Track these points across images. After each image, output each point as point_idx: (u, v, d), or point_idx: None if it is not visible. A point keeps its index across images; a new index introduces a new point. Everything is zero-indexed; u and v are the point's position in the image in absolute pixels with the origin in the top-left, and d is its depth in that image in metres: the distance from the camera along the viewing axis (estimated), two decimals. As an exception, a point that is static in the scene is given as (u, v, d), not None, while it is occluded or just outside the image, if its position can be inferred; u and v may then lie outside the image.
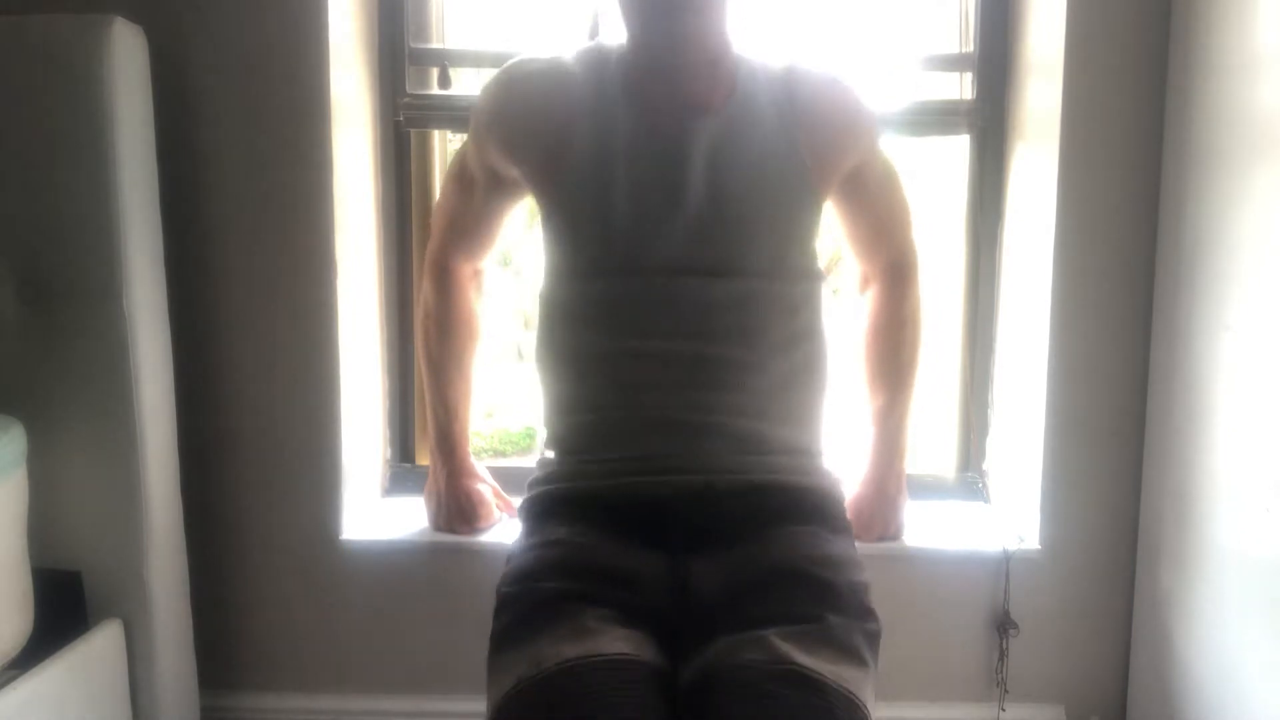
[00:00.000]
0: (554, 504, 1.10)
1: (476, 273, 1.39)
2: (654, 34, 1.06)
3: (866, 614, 1.00)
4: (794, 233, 1.12)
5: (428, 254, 1.37)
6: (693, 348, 1.06)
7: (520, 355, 1.56)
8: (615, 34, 1.13)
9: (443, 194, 1.34)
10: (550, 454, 1.17)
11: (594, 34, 1.16)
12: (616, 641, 0.93)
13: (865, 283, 1.37)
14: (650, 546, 1.02)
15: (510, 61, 1.16)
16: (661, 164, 1.07)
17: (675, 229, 1.06)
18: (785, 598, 0.97)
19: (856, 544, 1.42)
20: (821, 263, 1.17)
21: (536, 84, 1.13)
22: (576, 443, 1.12)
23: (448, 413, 1.40)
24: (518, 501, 1.50)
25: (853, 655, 0.94)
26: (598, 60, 1.12)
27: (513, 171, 1.16)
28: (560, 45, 1.15)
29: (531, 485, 1.16)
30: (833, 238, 1.40)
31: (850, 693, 0.90)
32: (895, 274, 1.33)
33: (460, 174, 1.26)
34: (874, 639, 0.99)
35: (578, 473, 1.11)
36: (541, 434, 1.20)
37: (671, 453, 1.06)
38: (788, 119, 1.10)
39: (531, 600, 0.99)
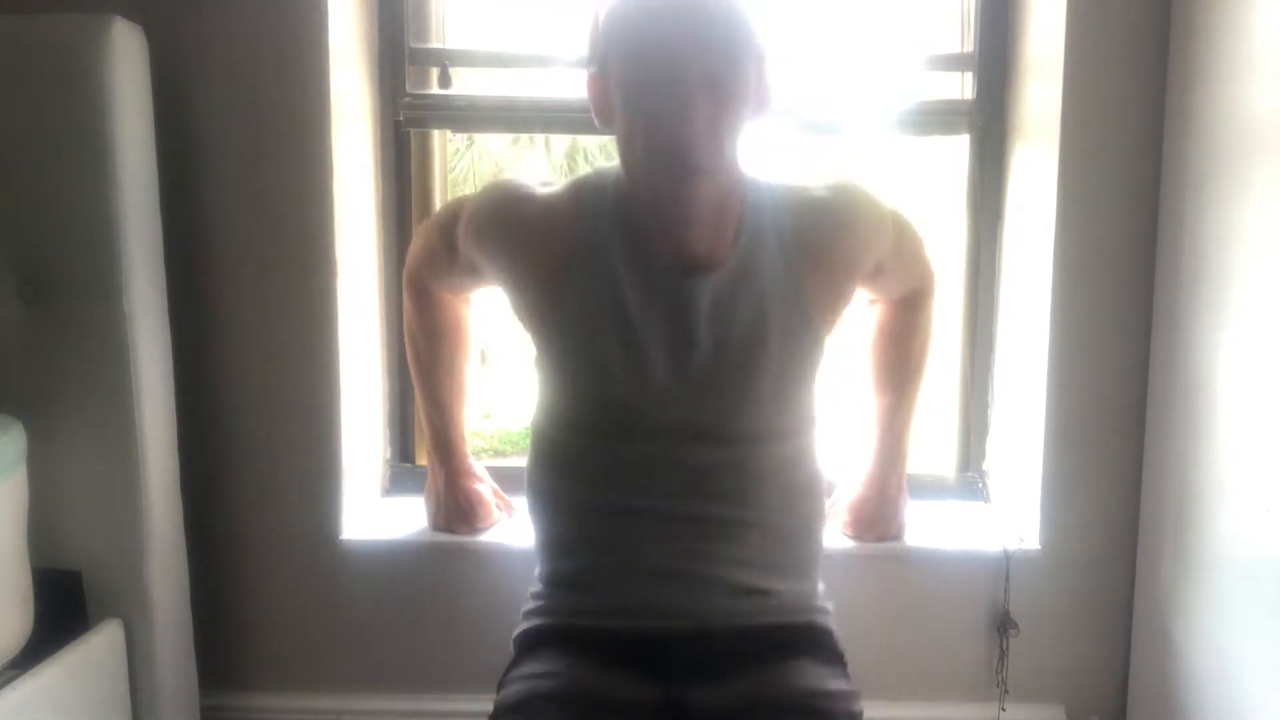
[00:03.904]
0: (547, 636, 1.10)
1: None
2: (658, 194, 1.01)
3: None
4: (794, 390, 1.10)
5: (405, 272, 1.35)
6: (688, 508, 1.06)
7: (484, 359, 1.55)
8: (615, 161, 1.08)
9: (427, 234, 1.29)
10: (540, 587, 1.16)
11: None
12: None
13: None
14: (646, 678, 1.02)
15: (505, 182, 1.13)
16: (658, 323, 1.04)
17: (671, 392, 1.05)
18: None
19: (859, 541, 1.44)
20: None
21: (529, 224, 1.08)
22: (569, 581, 1.12)
23: (441, 414, 1.39)
24: (517, 501, 1.51)
25: None
26: (595, 197, 1.07)
27: (500, 289, 1.14)
28: (555, 177, 1.11)
29: (524, 615, 1.15)
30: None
31: None
32: (912, 297, 1.32)
33: (446, 235, 1.21)
34: None
35: (571, 609, 1.11)
36: (534, 568, 1.19)
37: (664, 599, 1.06)
38: (791, 261, 1.06)
39: None
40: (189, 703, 1.45)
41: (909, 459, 1.42)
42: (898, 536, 1.45)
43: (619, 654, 1.04)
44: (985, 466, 1.66)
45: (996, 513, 1.61)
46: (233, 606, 1.54)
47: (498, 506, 1.50)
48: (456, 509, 1.45)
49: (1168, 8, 1.38)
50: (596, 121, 1.06)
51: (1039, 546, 1.48)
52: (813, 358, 1.11)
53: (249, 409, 1.49)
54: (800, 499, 1.13)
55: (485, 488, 1.49)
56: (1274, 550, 1.14)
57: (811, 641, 1.09)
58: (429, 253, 1.28)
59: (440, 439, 1.41)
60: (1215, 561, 1.27)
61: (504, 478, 1.54)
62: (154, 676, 1.36)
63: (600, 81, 1.03)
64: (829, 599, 1.17)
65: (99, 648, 1.29)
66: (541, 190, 1.11)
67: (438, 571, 1.49)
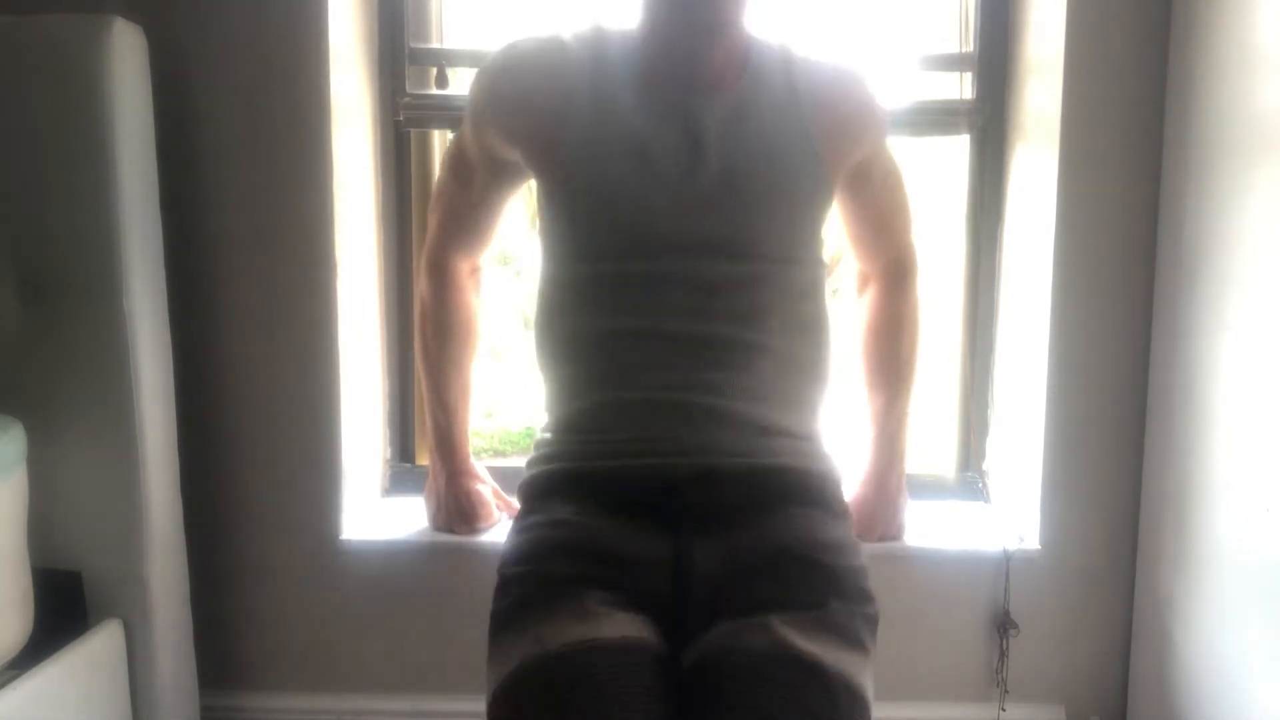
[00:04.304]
0: (555, 483, 1.09)
1: (475, 270, 1.38)
2: (674, 42, 1.05)
3: (866, 599, 1.00)
4: (803, 216, 1.11)
5: (425, 251, 1.36)
6: (697, 328, 1.05)
7: (496, 355, 1.56)
8: (616, 19, 1.12)
9: (439, 187, 1.32)
10: (548, 435, 1.15)
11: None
12: (619, 624, 0.93)
13: (864, 283, 1.37)
14: (652, 527, 1.02)
15: (505, 43, 1.14)
16: (669, 141, 1.05)
17: (682, 206, 1.05)
18: (787, 582, 0.97)
19: (858, 541, 1.43)
20: (826, 256, 1.17)
21: (532, 62, 1.11)
22: (578, 424, 1.11)
23: (446, 414, 1.39)
24: (517, 501, 1.51)
25: (853, 641, 0.94)
26: (597, 40, 1.10)
27: (511, 153, 1.14)
28: (556, 27, 1.13)
29: (531, 464, 1.15)
30: (834, 238, 1.40)
31: (850, 678, 0.91)
32: (894, 274, 1.33)
33: (457, 163, 1.24)
34: (873, 623, 0.99)
35: (579, 452, 1.09)
36: (541, 423, 1.19)
37: (673, 436, 1.04)
38: (800, 103, 1.09)
39: (534, 582, 0.99)
40: (189, 703, 1.45)
41: (907, 458, 1.42)
42: (897, 536, 1.45)
43: (627, 499, 1.03)
44: (985, 466, 1.66)
45: (996, 513, 1.61)
46: (233, 606, 1.54)
47: (498, 507, 1.50)
48: (457, 509, 1.45)
49: (1168, 8, 1.38)
50: None
51: (1039, 546, 1.48)
52: (822, 198, 1.12)
53: (249, 409, 1.49)
54: (810, 332, 1.12)
55: (486, 488, 1.49)
56: (1274, 550, 1.14)
57: (816, 490, 1.09)
58: (447, 204, 1.30)
59: (443, 437, 1.41)
60: (1215, 561, 1.27)
61: (504, 478, 1.54)
62: (154, 676, 1.36)
63: None
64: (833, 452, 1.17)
65: (99, 648, 1.29)
66: (540, 37, 1.12)
67: (438, 571, 1.49)
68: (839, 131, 1.11)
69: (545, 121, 1.08)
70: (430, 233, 1.35)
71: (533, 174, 1.14)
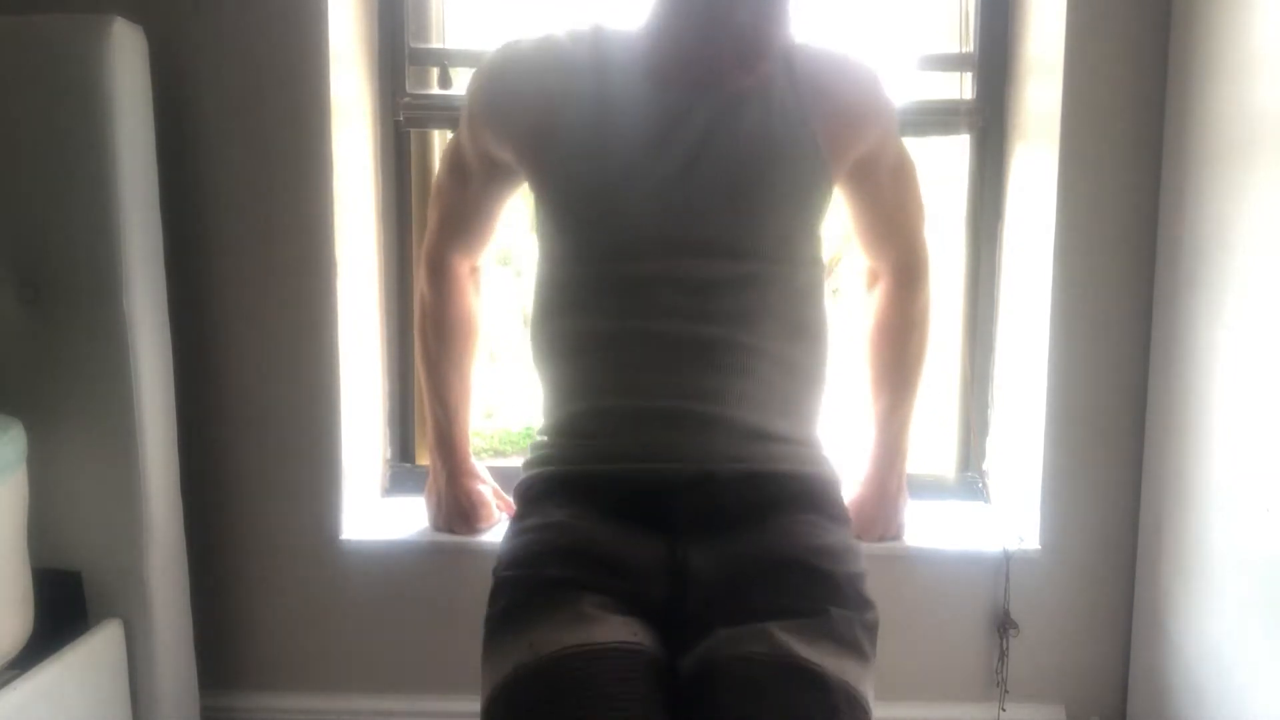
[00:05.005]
0: (551, 486, 1.09)
1: (474, 270, 1.38)
2: (695, 61, 1.02)
3: (865, 605, 1.00)
4: (802, 214, 1.09)
5: (424, 251, 1.36)
6: (693, 331, 1.03)
7: (495, 357, 1.56)
8: (616, 19, 1.10)
9: (437, 185, 1.32)
10: (544, 438, 1.15)
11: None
12: (615, 630, 0.92)
13: (873, 280, 1.35)
14: (649, 531, 1.01)
15: (503, 44, 1.13)
16: (663, 139, 1.03)
17: (676, 206, 1.03)
18: (786, 589, 0.96)
19: (858, 541, 1.43)
20: (825, 256, 1.15)
21: (528, 62, 1.09)
22: (573, 428, 1.10)
23: (446, 413, 1.39)
24: (514, 502, 1.51)
25: (853, 648, 0.93)
26: (595, 39, 1.08)
27: (504, 154, 1.13)
28: (554, 27, 1.11)
29: (526, 466, 1.14)
30: (836, 237, 1.39)
31: (851, 686, 0.90)
32: (904, 273, 1.31)
33: (454, 163, 1.23)
34: (873, 630, 0.99)
35: (574, 456, 1.09)
36: (538, 424, 1.18)
37: (670, 442, 1.04)
38: (799, 91, 1.06)
39: (529, 586, 0.98)
40: (189, 703, 1.45)
41: (908, 459, 1.42)
42: (897, 537, 1.45)
43: (623, 503, 1.03)
44: (985, 466, 1.66)
45: (996, 513, 1.61)
46: (233, 606, 1.54)
47: (498, 507, 1.50)
48: (457, 509, 1.45)
49: (1168, 7, 1.38)
50: None
51: (1039, 546, 1.48)
52: (822, 194, 1.09)
53: (249, 409, 1.49)
54: (808, 335, 1.11)
55: (486, 488, 1.49)
56: (1274, 550, 1.14)
57: (816, 495, 1.08)
58: (445, 202, 1.29)
59: (443, 437, 1.41)
60: (1215, 561, 1.27)
61: (504, 478, 1.54)
62: (154, 676, 1.36)
63: None
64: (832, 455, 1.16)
65: (99, 648, 1.29)
66: (537, 36, 1.11)
67: (438, 571, 1.49)
68: (840, 120, 1.08)
69: (539, 122, 1.07)
70: (429, 231, 1.34)
71: (525, 176, 1.13)
